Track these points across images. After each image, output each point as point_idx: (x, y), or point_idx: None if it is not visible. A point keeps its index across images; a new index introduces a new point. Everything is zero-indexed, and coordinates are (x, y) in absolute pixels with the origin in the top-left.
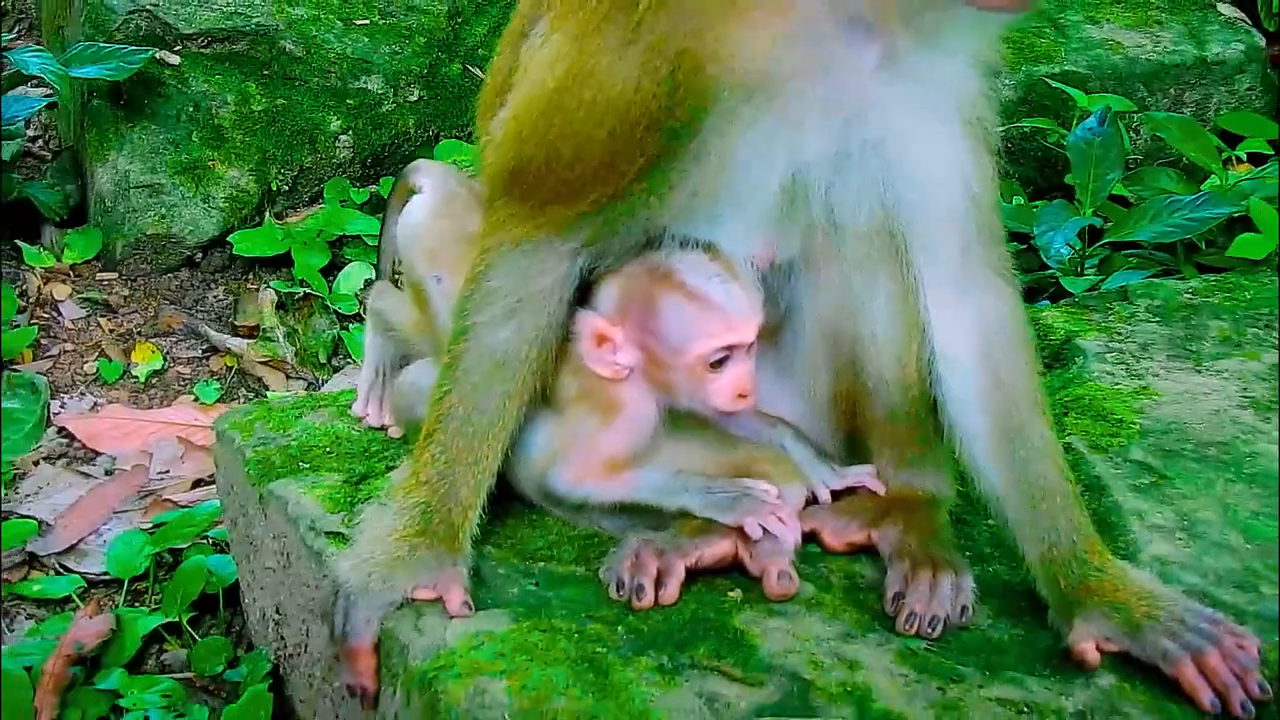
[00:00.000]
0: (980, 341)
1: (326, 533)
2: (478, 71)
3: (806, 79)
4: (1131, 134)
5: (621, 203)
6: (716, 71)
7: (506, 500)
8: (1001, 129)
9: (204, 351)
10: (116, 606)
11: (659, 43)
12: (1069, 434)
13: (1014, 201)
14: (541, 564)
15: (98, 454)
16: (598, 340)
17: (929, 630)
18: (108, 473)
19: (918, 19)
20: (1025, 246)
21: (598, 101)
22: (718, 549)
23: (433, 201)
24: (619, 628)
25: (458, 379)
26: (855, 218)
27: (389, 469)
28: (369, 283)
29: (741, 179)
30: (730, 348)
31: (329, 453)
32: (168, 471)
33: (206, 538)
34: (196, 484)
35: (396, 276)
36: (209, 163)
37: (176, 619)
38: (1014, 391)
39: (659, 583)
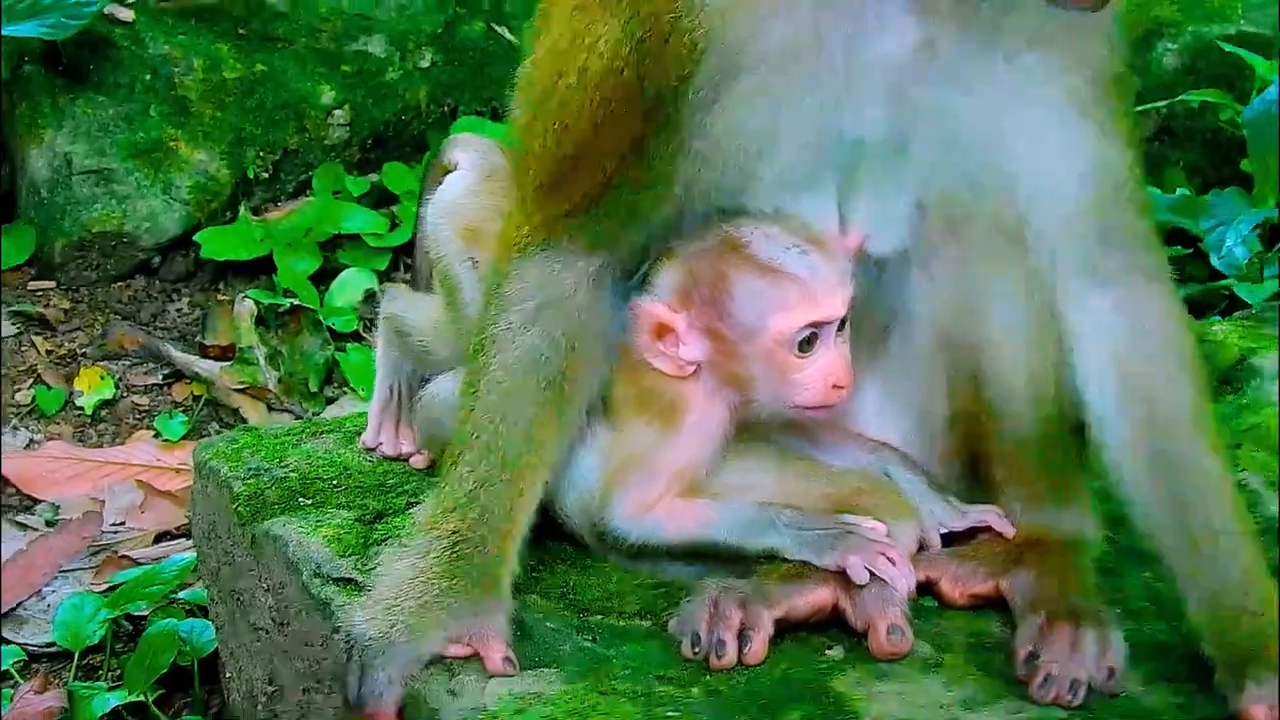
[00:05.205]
0: (1122, 352)
1: (335, 579)
2: (505, 32)
3: (824, 49)
4: None
5: (613, 200)
6: (690, 39)
7: (556, 544)
8: (1162, 104)
9: (165, 377)
10: (66, 683)
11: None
12: (1242, 469)
13: (1177, 194)
14: (599, 616)
15: (37, 501)
16: (657, 331)
17: (1069, 696)
18: (49, 524)
19: None
20: (1192, 251)
21: (587, 68)
22: (813, 598)
23: (472, 179)
24: (694, 689)
25: (483, 391)
26: (953, 203)
27: (410, 504)
28: (371, 294)
29: (746, 173)
30: (816, 325)
31: (337, 486)
32: (124, 523)
33: (175, 600)
34: (160, 538)
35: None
36: (171, 144)
37: (141, 698)
38: (1169, 413)
39: (742, 638)
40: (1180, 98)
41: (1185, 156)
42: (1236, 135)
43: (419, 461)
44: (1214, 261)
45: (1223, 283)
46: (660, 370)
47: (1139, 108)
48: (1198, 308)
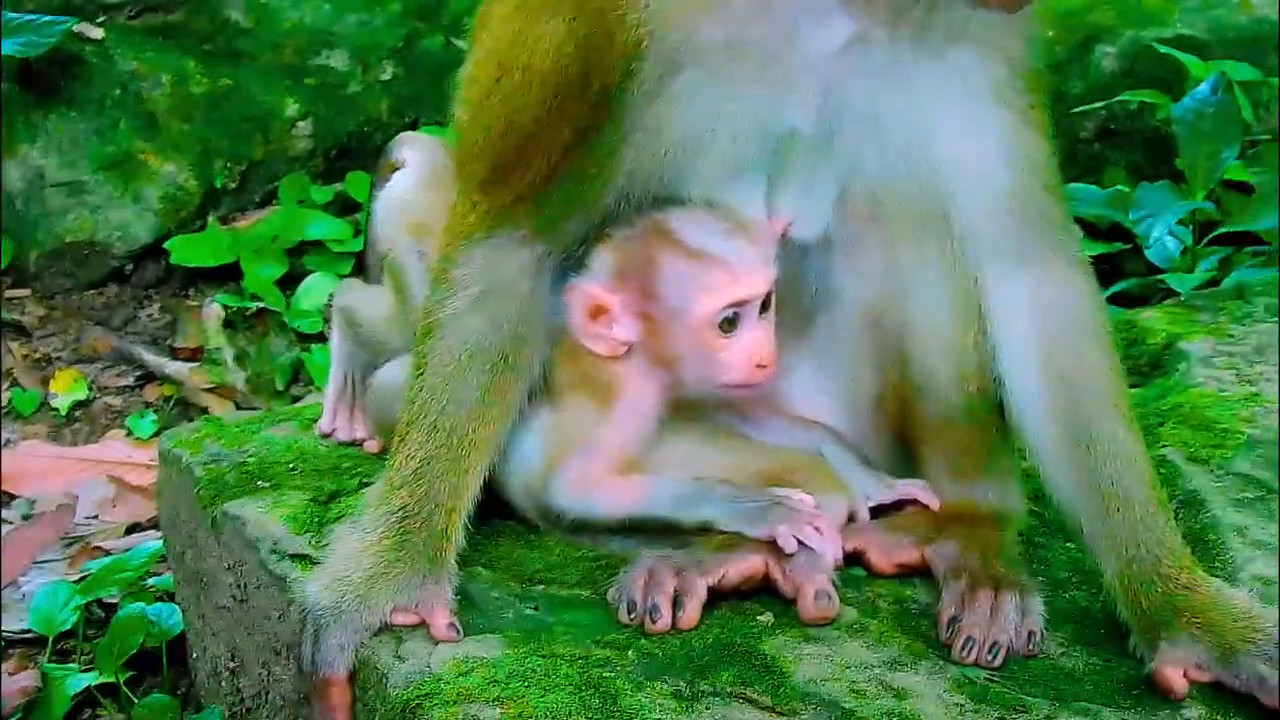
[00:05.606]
0: (1040, 332)
1: (291, 555)
2: (464, 45)
3: (761, 46)
4: (1262, 110)
5: (555, 191)
6: (635, 36)
7: (500, 519)
8: (1101, 105)
9: (137, 379)
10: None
11: (581, 1)
12: (1163, 445)
13: (1114, 190)
14: (541, 586)
15: (13, 497)
16: (592, 312)
17: (989, 658)
18: (25, 517)
19: None
20: (1131, 247)
21: (531, 66)
22: (745, 565)
23: (418, 175)
24: (630, 652)
25: (429, 373)
26: (877, 191)
27: (363, 485)
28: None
29: (684, 163)
30: (738, 305)
31: (293, 469)
32: (97, 516)
33: (145, 586)
34: (132, 529)
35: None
36: (140, 156)
37: (112, 678)
38: (1083, 388)
39: (677, 604)
40: (1119, 98)
41: (1125, 156)
42: (1174, 134)
43: (372, 446)
44: (1147, 253)
45: (1159, 276)
46: (594, 352)
47: (1080, 109)
48: (1135, 301)
